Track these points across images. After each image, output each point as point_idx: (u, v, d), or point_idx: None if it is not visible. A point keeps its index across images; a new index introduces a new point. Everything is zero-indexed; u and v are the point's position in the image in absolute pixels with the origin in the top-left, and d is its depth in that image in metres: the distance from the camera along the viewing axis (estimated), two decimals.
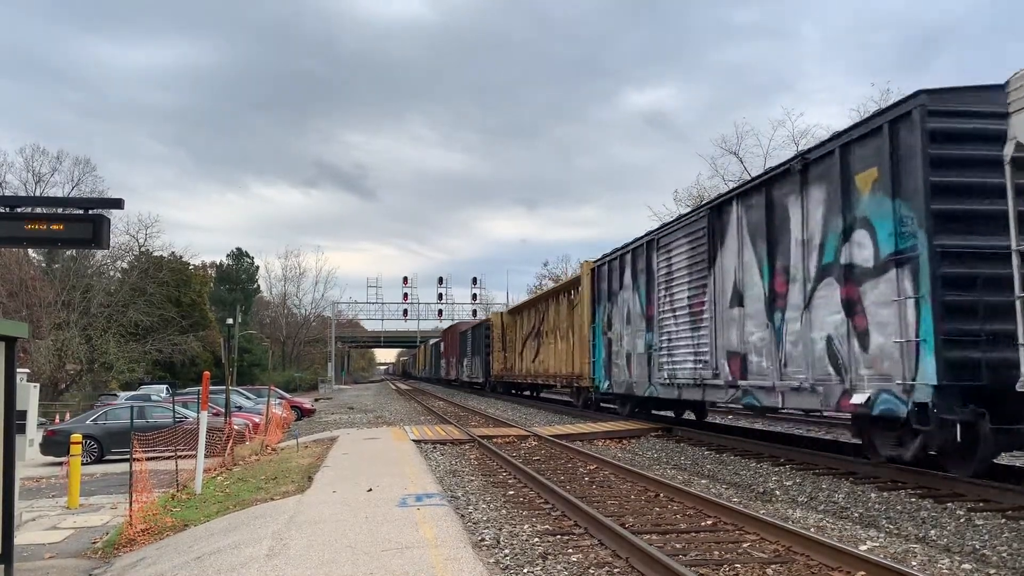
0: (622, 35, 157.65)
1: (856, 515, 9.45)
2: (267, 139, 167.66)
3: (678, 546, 7.77)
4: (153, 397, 32.25)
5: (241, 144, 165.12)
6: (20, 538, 9.37)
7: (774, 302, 12.95)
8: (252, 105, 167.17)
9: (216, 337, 58.14)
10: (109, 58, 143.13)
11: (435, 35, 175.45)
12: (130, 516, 10.74)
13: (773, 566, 6.94)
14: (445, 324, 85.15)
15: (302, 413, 33.24)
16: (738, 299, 14.17)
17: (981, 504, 9.21)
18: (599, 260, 23.37)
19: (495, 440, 18.20)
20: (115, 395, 36.86)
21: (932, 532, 8.35)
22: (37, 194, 49.26)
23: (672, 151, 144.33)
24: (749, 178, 16.09)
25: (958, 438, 9.27)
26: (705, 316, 15.50)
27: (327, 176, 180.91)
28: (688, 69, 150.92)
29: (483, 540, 8.10)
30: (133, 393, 35.92)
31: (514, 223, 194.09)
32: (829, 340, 11.36)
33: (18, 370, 7.71)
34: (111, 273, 52.84)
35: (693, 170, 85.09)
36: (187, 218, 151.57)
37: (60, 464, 18.11)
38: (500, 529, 8.66)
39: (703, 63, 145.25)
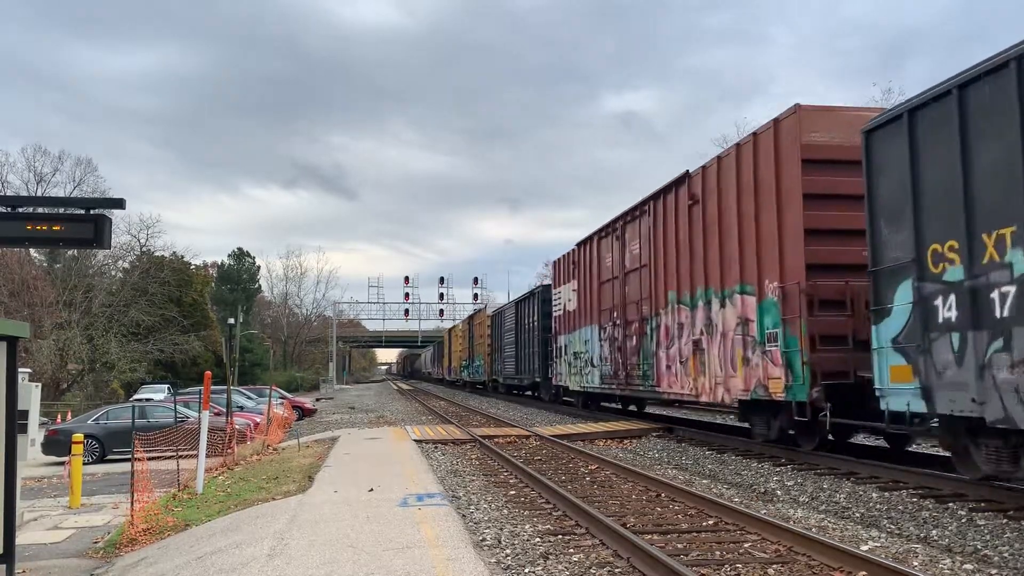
0: (599, 40, 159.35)
1: (857, 515, 9.44)
2: (253, 141, 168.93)
3: (679, 546, 7.76)
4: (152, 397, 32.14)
5: (228, 146, 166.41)
6: (22, 537, 9.37)
7: None
8: (236, 108, 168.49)
9: (217, 337, 58.16)
10: (92, 63, 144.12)
11: (415, 40, 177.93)
12: (131, 516, 10.74)
13: (774, 566, 6.93)
14: (447, 324, 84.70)
15: (303, 413, 33.25)
16: None
17: (983, 504, 9.21)
18: None
19: (496, 440, 18.20)
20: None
21: (934, 532, 8.34)
22: (39, 194, 49.27)
23: (652, 153, 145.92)
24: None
25: None
26: None
27: (311, 178, 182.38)
28: (663, 73, 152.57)
29: (484, 540, 8.10)
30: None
31: (502, 224, 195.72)
32: None
33: (20, 370, 7.71)
34: (112, 273, 52.81)
35: (677, 171, 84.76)
36: (180, 220, 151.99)
37: (62, 464, 18.11)
38: (501, 529, 8.66)
39: (678, 67, 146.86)
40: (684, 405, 25.58)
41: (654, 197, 18.67)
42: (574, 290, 25.58)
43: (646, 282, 19.10)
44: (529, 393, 38.02)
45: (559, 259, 28.14)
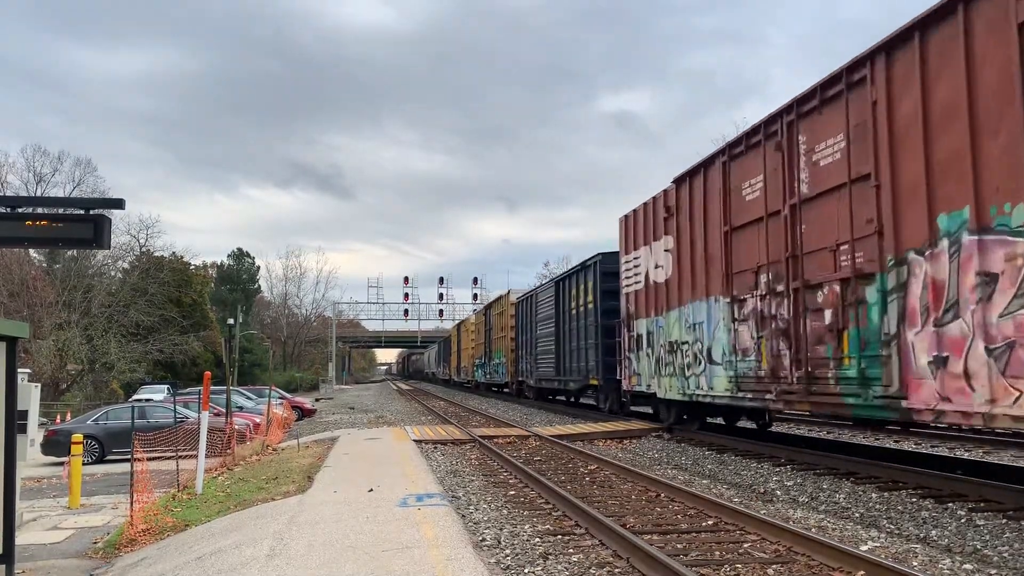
0: (595, 40, 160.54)
1: (857, 515, 9.44)
2: (250, 142, 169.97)
3: (679, 546, 7.76)
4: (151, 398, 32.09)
5: (225, 147, 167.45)
6: (21, 538, 9.38)
7: None
8: (233, 108, 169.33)
9: (217, 337, 58.19)
10: (90, 64, 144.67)
11: (412, 41, 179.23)
12: (131, 516, 10.74)
13: (774, 566, 6.93)
14: (447, 324, 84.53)
15: (303, 413, 33.25)
16: None
17: (982, 504, 9.21)
18: None
19: (496, 440, 18.20)
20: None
21: (933, 532, 8.35)
22: (38, 194, 49.31)
23: (647, 153, 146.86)
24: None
25: None
26: None
27: (309, 178, 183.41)
28: (659, 74, 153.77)
29: (484, 540, 8.10)
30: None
31: (500, 224, 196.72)
32: None
33: (19, 370, 7.72)
34: (112, 273, 52.86)
35: (671, 171, 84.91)
36: (178, 220, 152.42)
37: (61, 464, 18.11)
38: (501, 529, 8.66)
39: (674, 68, 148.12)
40: (986, 438, 14.99)
41: (885, 47, 9.95)
42: (668, 250, 17.18)
43: (864, 209, 10.35)
44: (564, 399, 30.43)
45: (635, 211, 19.35)
